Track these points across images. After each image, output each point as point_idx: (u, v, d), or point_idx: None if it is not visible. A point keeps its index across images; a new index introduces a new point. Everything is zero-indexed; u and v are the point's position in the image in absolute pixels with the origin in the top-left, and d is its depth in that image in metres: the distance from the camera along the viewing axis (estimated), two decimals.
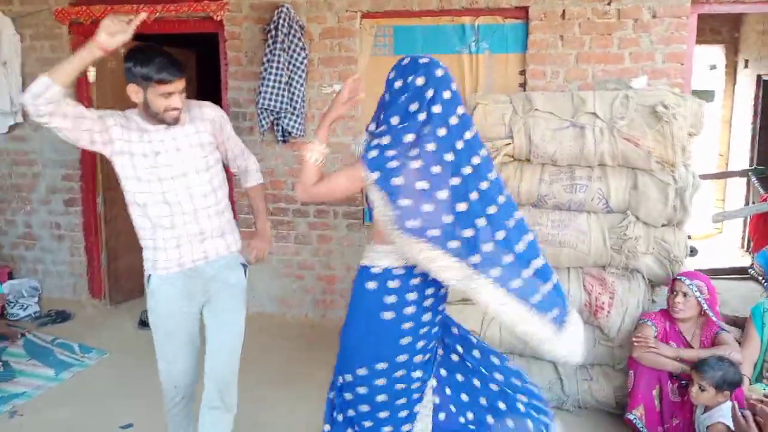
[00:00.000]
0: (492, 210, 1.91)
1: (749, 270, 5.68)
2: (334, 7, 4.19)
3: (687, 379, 2.79)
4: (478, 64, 4.10)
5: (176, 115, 2.30)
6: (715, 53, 7.70)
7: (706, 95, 6.66)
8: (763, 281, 5.06)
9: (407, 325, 2.04)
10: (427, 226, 1.87)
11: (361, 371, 2.08)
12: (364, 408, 2.12)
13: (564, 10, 3.87)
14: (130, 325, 4.56)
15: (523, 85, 4.04)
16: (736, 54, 7.32)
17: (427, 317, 2.08)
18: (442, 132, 1.91)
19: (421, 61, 1.99)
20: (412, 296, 2.03)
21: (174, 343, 2.45)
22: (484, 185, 1.92)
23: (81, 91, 4.73)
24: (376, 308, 2.04)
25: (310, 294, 4.58)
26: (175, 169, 2.33)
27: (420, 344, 2.09)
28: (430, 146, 1.90)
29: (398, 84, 1.99)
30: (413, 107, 1.93)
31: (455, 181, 1.91)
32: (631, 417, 2.85)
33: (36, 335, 4.27)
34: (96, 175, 4.84)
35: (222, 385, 2.51)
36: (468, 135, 1.95)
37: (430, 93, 1.93)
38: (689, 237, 6.11)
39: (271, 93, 4.05)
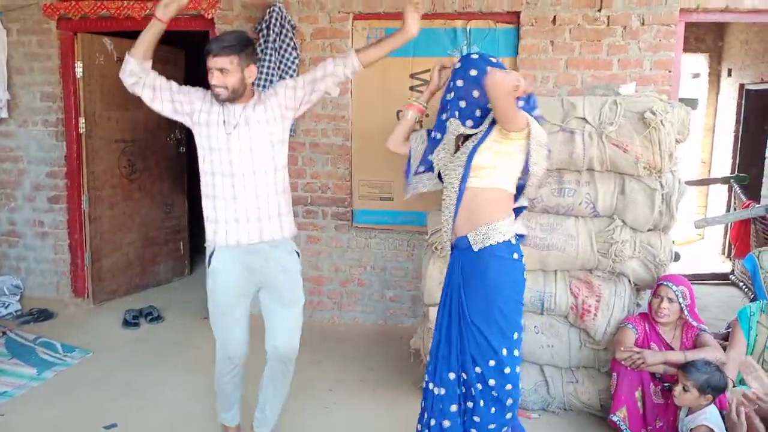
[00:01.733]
0: None
1: (730, 276, 5.77)
2: (326, 8, 4.19)
3: (670, 381, 2.83)
4: None
5: (217, 91, 2.47)
6: (699, 62, 7.82)
7: (690, 103, 6.74)
8: (746, 286, 5.14)
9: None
10: None
11: (516, 335, 2.36)
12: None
13: (555, 16, 3.91)
14: (114, 324, 4.51)
15: None
16: (719, 63, 7.44)
17: None
18: None
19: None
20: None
21: (229, 318, 2.64)
22: None
23: (68, 86, 4.69)
24: (521, 273, 2.38)
25: None
26: (243, 142, 2.53)
27: None
28: None
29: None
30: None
31: None
32: (614, 419, 2.88)
33: (18, 334, 4.21)
34: (81, 173, 4.79)
35: (286, 359, 2.73)
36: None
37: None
38: (672, 242, 6.22)
39: None
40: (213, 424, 3.10)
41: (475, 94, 2.37)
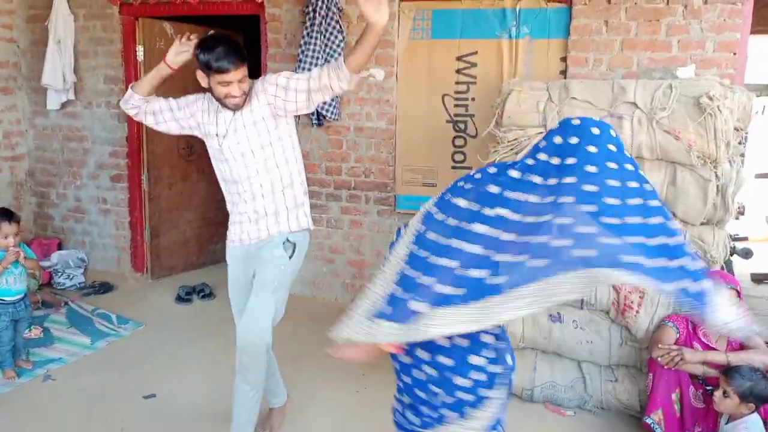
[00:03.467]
0: None
1: None
2: None
3: (713, 384, 2.65)
4: (518, 49, 3.96)
5: (236, 101, 2.46)
6: None
7: None
8: None
9: None
10: None
11: None
12: None
13: None
14: (168, 299, 4.70)
15: (564, 73, 3.88)
16: None
17: None
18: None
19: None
20: None
21: (235, 306, 2.80)
22: None
23: (129, 69, 4.87)
24: None
25: (340, 278, 4.59)
26: (234, 149, 2.55)
27: None
28: None
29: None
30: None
31: None
32: (648, 421, 2.72)
33: (79, 305, 4.46)
34: (141, 154, 4.98)
35: (246, 346, 2.56)
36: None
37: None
38: (746, 239, 5.84)
39: None
40: None
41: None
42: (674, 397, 2.72)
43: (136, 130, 4.95)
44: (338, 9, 4.13)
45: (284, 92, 2.47)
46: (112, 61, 4.89)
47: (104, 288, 4.82)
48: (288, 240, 2.65)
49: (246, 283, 2.72)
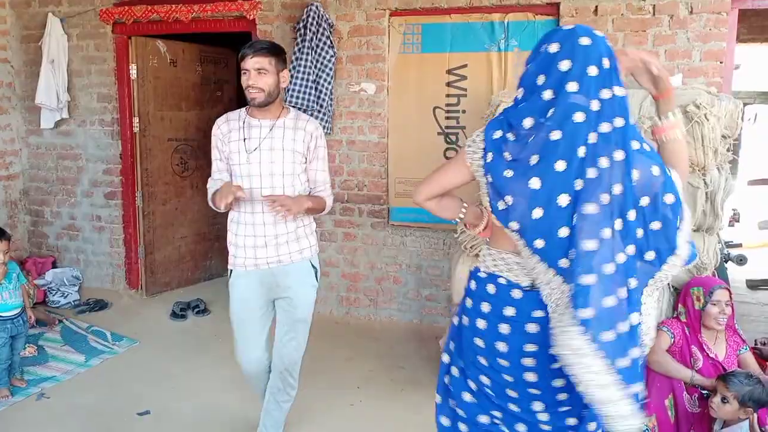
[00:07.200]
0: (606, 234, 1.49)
1: None
2: (363, 5, 4.19)
3: (709, 388, 2.65)
4: (507, 61, 4.01)
5: (253, 94, 2.39)
6: None
7: None
8: None
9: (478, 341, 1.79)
10: (533, 233, 1.57)
11: None
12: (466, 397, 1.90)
13: (597, 6, 3.74)
14: (163, 316, 4.69)
15: None
16: None
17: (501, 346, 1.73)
18: (577, 118, 1.52)
19: (564, 28, 1.62)
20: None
21: (246, 331, 2.65)
22: (604, 198, 1.50)
23: (123, 87, 4.89)
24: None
25: (334, 291, 4.59)
26: (264, 167, 2.46)
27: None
28: (554, 135, 1.54)
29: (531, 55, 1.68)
30: (540, 80, 1.60)
31: (578, 185, 1.51)
32: (643, 428, 2.71)
33: (73, 322, 4.45)
34: (135, 171, 4.99)
35: (286, 372, 2.71)
36: (606, 127, 1.52)
37: (565, 65, 1.54)
38: (740, 245, 5.86)
39: (299, 91, 4.08)
40: (241, 415, 3.17)
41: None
42: (667, 403, 2.71)
43: (130, 148, 4.97)
44: (329, 25, 4.17)
45: (311, 159, 2.57)
46: (106, 80, 4.92)
47: (99, 305, 4.81)
48: (312, 265, 2.67)
49: (260, 307, 2.62)
